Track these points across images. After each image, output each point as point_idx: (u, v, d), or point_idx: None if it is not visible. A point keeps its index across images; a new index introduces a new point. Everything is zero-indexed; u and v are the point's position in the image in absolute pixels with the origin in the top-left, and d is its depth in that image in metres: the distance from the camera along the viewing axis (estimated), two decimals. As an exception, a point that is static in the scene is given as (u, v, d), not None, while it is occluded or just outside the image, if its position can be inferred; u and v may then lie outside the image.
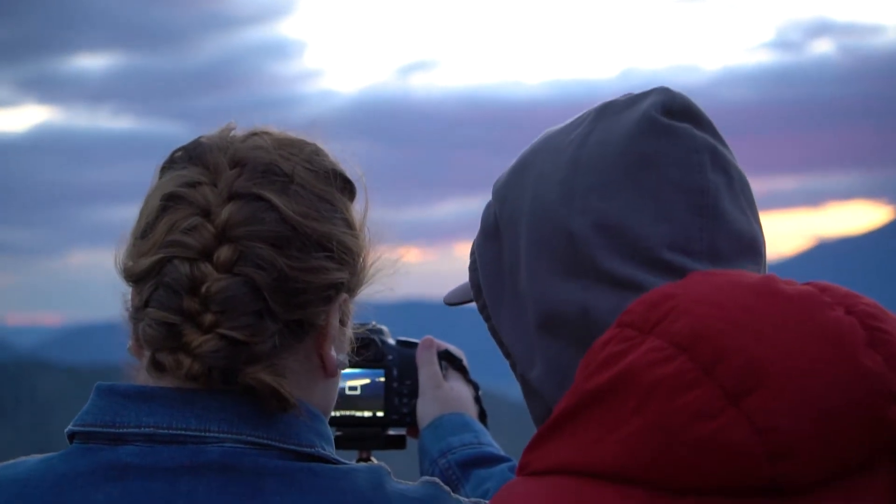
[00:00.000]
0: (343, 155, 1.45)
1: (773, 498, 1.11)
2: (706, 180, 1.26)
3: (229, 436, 1.31)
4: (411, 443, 2.00)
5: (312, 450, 1.34)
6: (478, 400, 1.98)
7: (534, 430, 1.23)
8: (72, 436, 1.34)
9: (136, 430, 1.31)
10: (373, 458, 2.00)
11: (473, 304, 1.43)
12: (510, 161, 1.40)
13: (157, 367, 1.32)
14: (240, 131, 1.42)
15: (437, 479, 1.38)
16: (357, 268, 1.42)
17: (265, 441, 1.32)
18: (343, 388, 1.97)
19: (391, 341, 2.00)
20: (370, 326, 1.98)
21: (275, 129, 1.43)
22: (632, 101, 1.31)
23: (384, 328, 2.02)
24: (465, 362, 2.00)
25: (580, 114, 1.36)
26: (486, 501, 1.42)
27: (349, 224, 1.41)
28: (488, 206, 1.38)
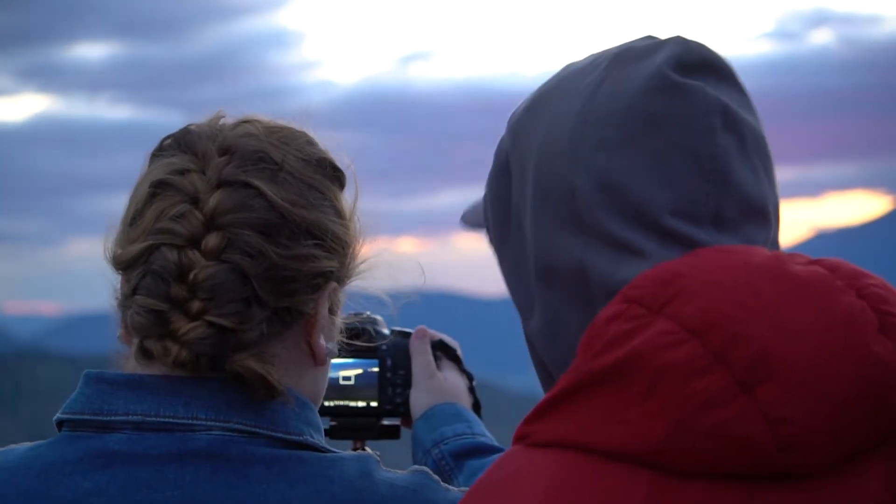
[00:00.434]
0: (333, 144, 1.45)
1: (780, 482, 1.10)
2: (715, 144, 1.22)
3: (217, 423, 1.31)
4: (405, 433, 2.00)
5: (300, 438, 1.34)
6: (472, 390, 1.97)
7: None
8: (60, 423, 1.34)
9: (124, 418, 1.31)
10: (367, 448, 2.00)
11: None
12: None
13: (145, 354, 1.32)
14: (229, 119, 1.42)
15: (426, 468, 1.38)
16: (347, 257, 1.42)
17: (253, 429, 1.32)
18: (337, 378, 1.96)
19: (385, 331, 2.00)
20: (364, 316, 1.98)
21: (265, 117, 1.43)
22: (648, 50, 1.26)
23: (378, 318, 2.02)
24: (460, 352, 1.99)
25: (599, 53, 1.31)
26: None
27: (339, 212, 1.41)
28: (503, 140, 1.34)
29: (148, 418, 1.31)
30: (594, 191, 1.22)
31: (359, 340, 1.90)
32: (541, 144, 1.27)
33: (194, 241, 1.31)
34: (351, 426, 1.99)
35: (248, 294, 1.32)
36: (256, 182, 1.35)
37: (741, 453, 1.09)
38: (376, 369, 1.97)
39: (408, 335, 1.98)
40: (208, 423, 1.31)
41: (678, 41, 1.26)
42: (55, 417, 1.34)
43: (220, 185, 1.34)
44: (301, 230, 1.36)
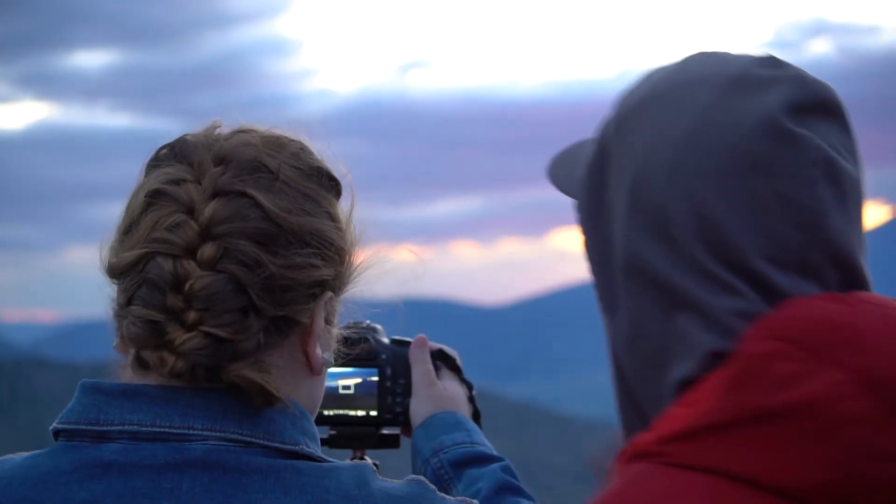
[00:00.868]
0: (329, 153, 1.45)
1: None
2: (814, 197, 1.24)
3: (213, 433, 1.31)
4: (405, 442, 1.99)
5: (297, 447, 1.34)
6: (472, 399, 1.97)
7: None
8: (57, 433, 1.34)
9: (120, 428, 1.31)
10: (366, 458, 1.99)
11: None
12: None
13: (141, 364, 1.32)
14: (225, 129, 1.42)
15: (422, 477, 1.37)
16: (343, 266, 1.42)
17: (249, 438, 1.31)
18: (336, 387, 1.96)
19: (385, 340, 1.99)
20: (364, 325, 1.97)
21: (261, 126, 1.43)
22: (766, 82, 1.28)
23: (378, 327, 2.02)
24: (459, 362, 1.99)
25: (718, 61, 1.31)
26: (475, 501, 1.41)
27: (335, 221, 1.41)
28: (608, 125, 1.34)
29: (144, 428, 1.31)
30: (688, 216, 1.24)
31: (358, 349, 1.90)
32: (644, 150, 1.28)
33: (190, 251, 1.31)
34: (350, 435, 1.98)
35: (245, 304, 1.31)
36: (252, 191, 1.34)
37: None
38: (376, 378, 1.97)
39: (407, 344, 1.98)
40: (204, 432, 1.30)
41: (797, 78, 1.28)
42: (52, 427, 1.34)
43: (216, 194, 1.34)
44: (297, 239, 1.36)
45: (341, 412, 1.97)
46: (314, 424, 1.39)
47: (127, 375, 1.36)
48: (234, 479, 1.29)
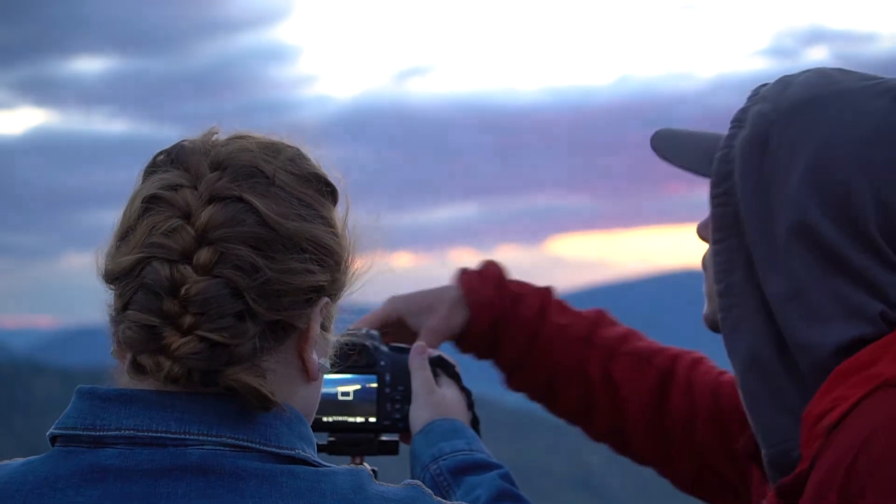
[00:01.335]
0: (325, 159, 1.45)
1: None
2: None
3: (209, 438, 1.31)
4: (404, 449, 1.99)
5: (293, 452, 1.34)
6: (471, 407, 1.97)
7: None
8: (53, 439, 1.34)
9: (117, 433, 1.31)
10: (365, 464, 1.99)
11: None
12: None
13: (137, 369, 1.32)
14: (222, 135, 1.43)
15: (418, 482, 1.38)
16: (339, 272, 1.42)
17: (245, 443, 1.31)
18: (336, 394, 1.96)
19: (384, 347, 1.99)
20: (363, 331, 1.97)
21: (258, 132, 1.44)
22: None
23: (376, 333, 2.01)
24: (458, 369, 1.98)
25: (860, 79, 1.54)
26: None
27: (331, 227, 1.41)
28: (766, 114, 1.54)
29: (140, 433, 1.31)
30: (870, 200, 1.45)
31: (356, 356, 1.89)
32: (828, 136, 1.49)
33: (186, 256, 1.31)
34: (349, 442, 1.98)
35: (241, 308, 1.31)
36: (248, 197, 1.35)
37: None
38: (375, 385, 1.96)
39: (406, 351, 1.97)
40: (200, 437, 1.30)
41: None
42: (48, 433, 1.34)
43: (212, 200, 1.34)
44: (293, 244, 1.36)
45: (340, 419, 1.97)
46: (311, 429, 1.39)
47: (124, 380, 1.36)
48: (231, 484, 1.29)
